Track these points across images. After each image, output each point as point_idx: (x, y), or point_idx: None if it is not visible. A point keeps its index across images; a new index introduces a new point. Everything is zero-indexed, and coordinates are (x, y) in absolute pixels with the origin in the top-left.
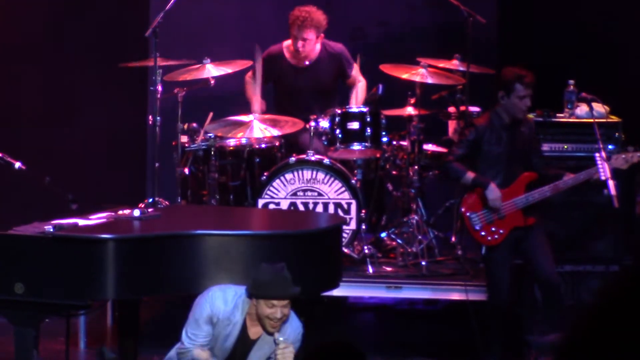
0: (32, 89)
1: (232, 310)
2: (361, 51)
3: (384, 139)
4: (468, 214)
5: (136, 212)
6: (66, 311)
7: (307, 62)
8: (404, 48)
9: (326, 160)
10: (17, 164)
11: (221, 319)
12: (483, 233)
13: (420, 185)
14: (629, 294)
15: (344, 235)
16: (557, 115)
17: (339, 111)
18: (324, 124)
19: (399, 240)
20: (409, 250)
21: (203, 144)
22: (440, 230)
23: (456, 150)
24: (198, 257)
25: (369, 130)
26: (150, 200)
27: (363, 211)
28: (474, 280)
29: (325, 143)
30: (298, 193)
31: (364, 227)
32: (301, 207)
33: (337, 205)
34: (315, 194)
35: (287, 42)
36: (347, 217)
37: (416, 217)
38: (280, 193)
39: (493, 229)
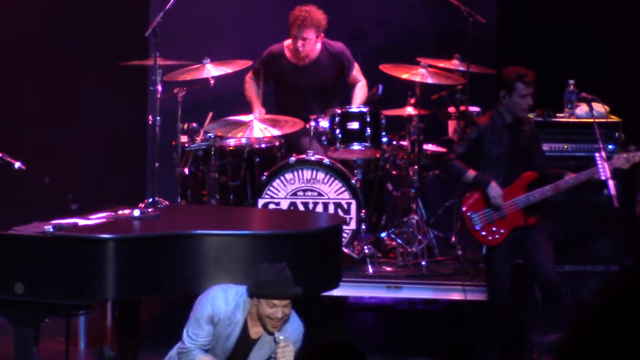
0: (32, 89)
1: (233, 310)
2: (361, 51)
3: (384, 139)
4: (469, 213)
5: (136, 212)
6: (66, 311)
7: (307, 61)
8: (404, 48)
9: (326, 160)
10: (17, 164)
11: (222, 318)
12: (484, 233)
13: (420, 185)
14: (629, 294)
15: (344, 235)
16: (557, 115)
17: (339, 111)
18: (324, 123)
19: (399, 240)
20: (409, 250)
21: (203, 143)
22: (440, 230)
23: (458, 148)
24: (198, 257)
25: (369, 130)
26: (150, 200)
27: (363, 211)
28: (474, 280)
29: (325, 143)
30: (298, 193)
31: (364, 227)
32: (301, 207)
33: (337, 205)
34: (315, 194)
35: (288, 42)
36: (347, 217)
37: (416, 217)
38: (280, 193)
39: (494, 228)
